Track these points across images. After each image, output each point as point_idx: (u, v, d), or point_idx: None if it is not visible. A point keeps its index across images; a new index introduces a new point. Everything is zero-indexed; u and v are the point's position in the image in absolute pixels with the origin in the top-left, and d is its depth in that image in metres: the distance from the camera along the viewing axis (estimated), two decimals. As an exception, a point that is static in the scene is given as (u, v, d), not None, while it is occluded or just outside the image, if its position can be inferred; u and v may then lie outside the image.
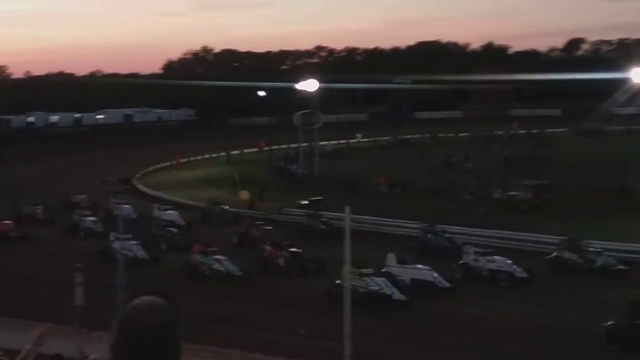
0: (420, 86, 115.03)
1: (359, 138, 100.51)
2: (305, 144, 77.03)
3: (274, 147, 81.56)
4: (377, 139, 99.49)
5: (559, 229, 41.54)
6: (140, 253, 40.34)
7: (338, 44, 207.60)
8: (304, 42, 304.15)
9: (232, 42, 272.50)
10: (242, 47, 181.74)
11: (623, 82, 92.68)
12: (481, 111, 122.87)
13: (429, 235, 42.49)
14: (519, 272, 35.32)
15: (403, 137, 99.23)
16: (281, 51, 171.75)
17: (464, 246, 38.01)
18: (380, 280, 32.51)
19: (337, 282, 31.69)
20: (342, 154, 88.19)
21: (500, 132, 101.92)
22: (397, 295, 31.84)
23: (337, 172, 67.78)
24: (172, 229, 46.66)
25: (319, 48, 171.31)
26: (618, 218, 46.76)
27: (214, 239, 42.38)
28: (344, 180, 62.89)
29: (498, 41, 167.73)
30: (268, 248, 39.34)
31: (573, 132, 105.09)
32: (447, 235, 42.32)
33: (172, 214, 51.61)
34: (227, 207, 54.22)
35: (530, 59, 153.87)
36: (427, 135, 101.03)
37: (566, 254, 37.84)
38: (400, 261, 35.46)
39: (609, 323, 26.73)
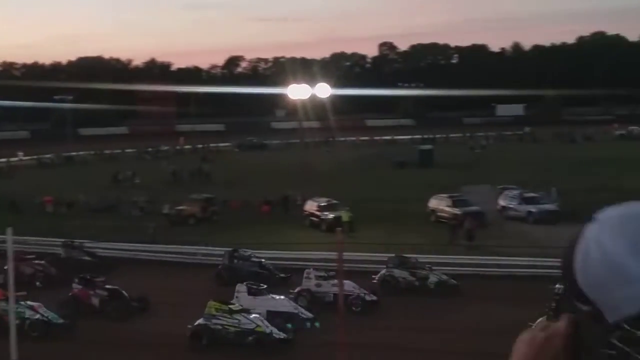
0: (83, 106, 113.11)
1: (20, 156, 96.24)
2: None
3: None
4: (40, 156, 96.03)
5: (232, 241, 43.06)
6: None
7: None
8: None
9: None
10: None
11: (281, 98, 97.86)
12: (147, 127, 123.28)
13: (235, 262, 38.74)
14: (368, 295, 33.27)
15: (67, 154, 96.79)
16: None
17: (305, 271, 34.91)
18: (255, 317, 28.80)
19: (200, 321, 28.50)
20: (2, 173, 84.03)
21: (166, 148, 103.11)
22: (277, 332, 28.18)
23: (-3, 192, 64.50)
24: None
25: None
26: (282, 227, 49.47)
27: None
28: (5, 200, 60.09)
29: (160, 58, 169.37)
30: (77, 286, 33.88)
31: (236, 146, 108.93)
32: (254, 259, 38.96)
33: None
34: None
35: (193, 76, 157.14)
36: (92, 152, 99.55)
37: (397, 272, 36.04)
38: (252, 292, 31.54)
39: None
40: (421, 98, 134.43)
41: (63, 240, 42.40)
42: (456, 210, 49.05)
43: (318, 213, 50.79)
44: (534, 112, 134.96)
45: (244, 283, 32.08)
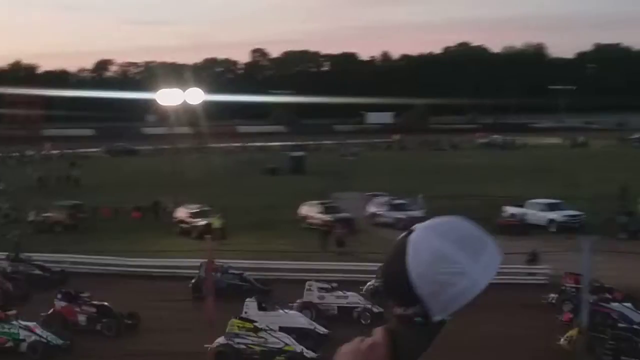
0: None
1: None
2: None
3: None
4: None
5: (101, 248, 42.31)
6: None
7: None
8: None
9: None
10: None
11: (151, 103, 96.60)
12: (11, 131, 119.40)
13: (218, 275, 35.76)
14: (375, 307, 31.66)
15: None
16: None
17: (307, 283, 33.13)
18: (282, 335, 27.08)
19: (222, 340, 26.68)
20: None
21: (32, 153, 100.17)
22: (307, 351, 26.46)
23: None
24: None
25: None
26: (152, 235, 48.94)
27: None
28: None
29: (26, 60, 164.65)
30: (61, 303, 30.98)
31: (105, 151, 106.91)
32: (233, 271, 36.72)
33: None
34: None
35: (61, 79, 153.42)
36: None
37: None
38: (262, 307, 29.59)
39: None
40: (293, 105, 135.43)
41: (6, 253, 39.80)
42: (327, 217, 49.73)
43: (189, 220, 50.37)
44: (403, 120, 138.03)
45: (253, 297, 30.05)
